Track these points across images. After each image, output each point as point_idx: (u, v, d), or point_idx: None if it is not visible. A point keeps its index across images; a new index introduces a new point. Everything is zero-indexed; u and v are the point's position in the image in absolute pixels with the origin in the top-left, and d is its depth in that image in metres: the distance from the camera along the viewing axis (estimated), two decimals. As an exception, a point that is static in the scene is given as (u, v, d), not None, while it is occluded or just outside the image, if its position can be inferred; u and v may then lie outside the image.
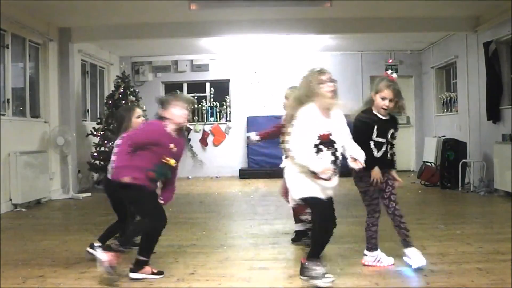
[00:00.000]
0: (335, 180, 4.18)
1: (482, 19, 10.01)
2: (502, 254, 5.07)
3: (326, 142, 4.12)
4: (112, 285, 4.27)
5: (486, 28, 9.94)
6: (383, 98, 4.60)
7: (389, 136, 4.66)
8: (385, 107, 4.60)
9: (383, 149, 4.63)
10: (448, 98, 12.60)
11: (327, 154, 4.12)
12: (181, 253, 5.43)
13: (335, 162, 4.16)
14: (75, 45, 10.93)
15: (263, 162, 13.77)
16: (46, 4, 8.79)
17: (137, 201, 4.45)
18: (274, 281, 4.33)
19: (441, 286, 4.12)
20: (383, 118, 4.67)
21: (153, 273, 4.43)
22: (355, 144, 4.28)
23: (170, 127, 4.41)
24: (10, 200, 8.57)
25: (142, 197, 4.39)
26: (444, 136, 11.68)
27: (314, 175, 4.08)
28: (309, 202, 4.23)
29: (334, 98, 4.20)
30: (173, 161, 4.42)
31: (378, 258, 4.70)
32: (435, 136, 12.32)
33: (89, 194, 10.47)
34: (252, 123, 13.91)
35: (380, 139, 4.61)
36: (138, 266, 4.40)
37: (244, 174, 13.46)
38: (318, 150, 4.10)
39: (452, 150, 10.66)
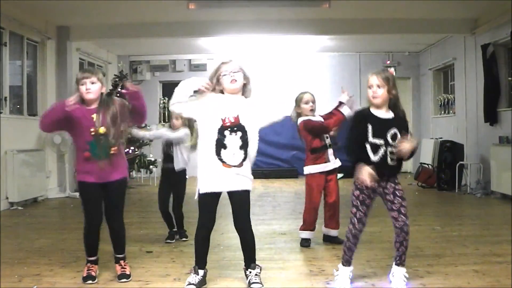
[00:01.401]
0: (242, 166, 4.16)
1: (480, 21, 10.04)
2: (498, 256, 5.08)
3: (229, 127, 4.11)
4: (106, 285, 4.27)
5: (484, 31, 9.96)
6: (369, 87, 4.05)
7: (388, 137, 4.00)
8: (373, 95, 4.03)
9: (381, 152, 3.99)
10: (446, 100, 12.62)
11: (232, 138, 4.10)
12: (178, 253, 5.44)
13: (242, 146, 4.12)
14: (73, 43, 10.92)
15: (260, 162, 13.73)
16: (45, 2, 8.77)
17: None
18: (271, 282, 4.33)
19: (437, 287, 4.13)
20: (380, 116, 4.06)
21: (83, 277, 4.35)
22: None
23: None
24: (7, 198, 8.55)
25: (80, 194, 4.47)
26: (441, 138, 11.69)
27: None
28: None
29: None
30: (102, 129, 4.18)
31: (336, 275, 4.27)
32: (432, 138, 12.34)
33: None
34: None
35: (376, 140, 4.00)
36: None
37: (241, 174, 13.40)
38: (222, 135, 4.10)
39: (449, 151, 10.68)
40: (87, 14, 9.67)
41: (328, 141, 5.68)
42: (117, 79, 11.91)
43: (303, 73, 14.25)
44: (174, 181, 5.96)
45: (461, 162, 10.46)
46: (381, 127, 4.02)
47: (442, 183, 10.62)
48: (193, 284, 4.12)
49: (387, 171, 4.04)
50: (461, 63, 11.38)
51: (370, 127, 4.02)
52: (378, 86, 4.03)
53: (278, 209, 8.43)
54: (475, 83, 10.51)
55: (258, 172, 13.40)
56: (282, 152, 13.61)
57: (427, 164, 11.65)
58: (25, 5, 8.83)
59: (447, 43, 12.10)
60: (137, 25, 10.45)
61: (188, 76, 14.42)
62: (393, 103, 4.09)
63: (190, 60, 14.50)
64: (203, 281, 4.19)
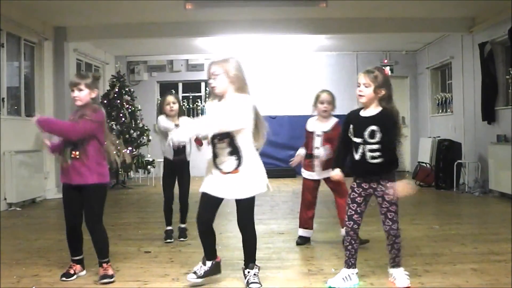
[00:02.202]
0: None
1: (478, 20, 10.04)
2: (496, 254, 5.08)
3: (217, 135, 4.10)
4: (106, 285, 4.27)
5: (481, 29, 9.96)
6: (358, 86, 4.11)
7: (366, 135, 4.04)
8: (359, 94, 4.08)
9: (360, 150, 4.07)
10: (443, 99, 12.63)
11: (220, 146, 4.11)
12: (176, 253, 5.43)
13: (232, 152, 4.10)
14: (70, 44, 10.90)
15: (258, 162, 13.74)
16: (42, 3, 8.76)
17: None
18: (269, 281, 4.33)
19: (436, 286, 4.13)
20: (364, 115, 4.11)
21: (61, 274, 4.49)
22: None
23: None
24: (5, 199, 8.54)
25: None
26: (439, 137, 11.71)
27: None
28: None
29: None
30: None
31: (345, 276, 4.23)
32: (430, 137, 12.35)
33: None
34: (247, 123, 13.91)
35: (356, 139, 4.10)
36: None
37: (239, 174, 13.30)
38: (214, 143, 4.15)
39: (447, 150, 10.68)
40: (84, 14, 9.65)
41: (316, 152, 5.58)
42: (114, 80, 11.92)
43: (300, 72, 14.27)
44: (178, 172, 6.01)
45: (459, 161, 10.47)
46: (360, 126, 4.09)
47: (440, 182, 10.63)
48: (195, 273, 4.22)
49: (369, 170, 4.08)
50: (458, 61, 11.38)
51: (351, 127, 4.15)
52: (365, 85, 4.06)
53: (276, 209, 8.43)
54: (472, 82, 10.51)
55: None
56: (280, 152, 13.60)
57: (425, 163, 11.66)
58: (22, 6, 8.82)
59: (445, 41, 12.10)
60: (135, 26, 10.44)
61: (186, 76, 14.40)
62: (384, 103, 4.07)
63: (187, 60, 14.50)
64: (209, 272, 4.26)
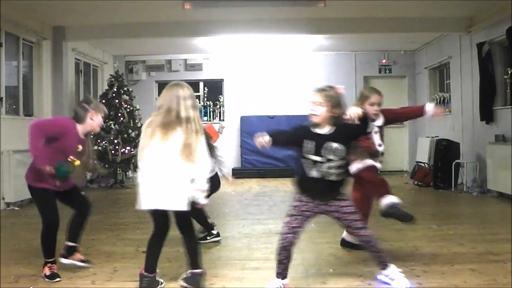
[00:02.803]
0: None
1: (476, 20, 10.05)
2: (495, 254, 5.09)
3: None
4: (103, 285, 4.27)
5: (479, 29, 9.97)
6: (311, 104, 3.97)
7: (327, 153, 3.86)
8: (312, 113, 3.93)
9: (319, 169, 3.88)
10: (442, 99, 12.63)
11: None
12: (174, 253, 5.42)
13: None
14: (69, 43, 10.91)
15: (256, 162, 13.77)
16: (40, 3, 8.76)
17: (36, 201, 4.70)
18: (267, 281, 4.32)
19: (434, 286, 4.13)
20: (322, 132, 3.94)
21: (49, 275, 4.50)
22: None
23: (81, 129, 4.57)
24: (3, 198, 8.53)
25: (41, 199, 4.63)
26: (437, 137, 11.71)
27: None
28: None
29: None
30: (77, 162, 4.53)
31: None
32: (428, 137, 12.35)
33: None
34: (245, 122, 13.93)
35: (315, 157, 3.88)
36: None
37: (237, 174, 13.33)
38: None
39: (446, 150, 10.68)
40: (82, 14, 9.65)
41: (381, 148, 5.12)
42: (113, 80, 11.91)
43: (299, 72, 14.27)
44: None
45: (457, 161, 10.47)
46: (320, 144, 3.88)
47: (438, 181, 10.63)
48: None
49: (327, 187, 3.93)
50: (456, 61, 11.39)
51: (306, 143, 3.92)
52: (319, 104, 3.92)
53: (274, 209, 8.42)
54: (470, 82, 10.52)
55: (254, 172, 13.44)
56: (279, 152, 13.61)
57: (423, 163, 11.66)
58: (21, 6, 8.81)
59: (443, 41, 12.11)
60: (133, 25, 10.44)
61: (184, 76, 14.42)
62: (335, 121, 3.94)
63: (185, 60, 14.50)
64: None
